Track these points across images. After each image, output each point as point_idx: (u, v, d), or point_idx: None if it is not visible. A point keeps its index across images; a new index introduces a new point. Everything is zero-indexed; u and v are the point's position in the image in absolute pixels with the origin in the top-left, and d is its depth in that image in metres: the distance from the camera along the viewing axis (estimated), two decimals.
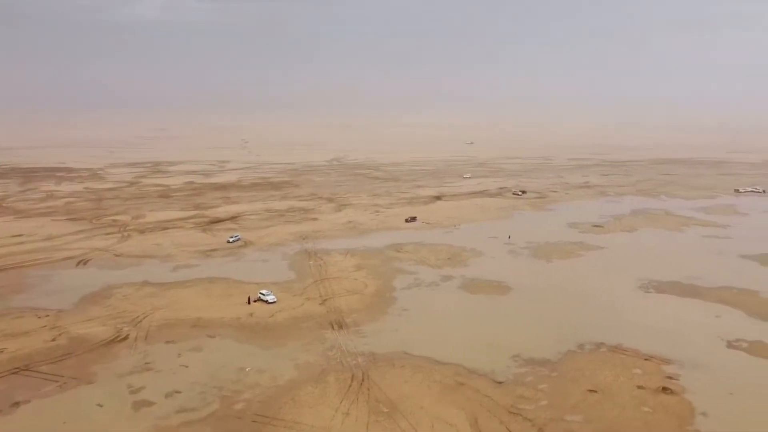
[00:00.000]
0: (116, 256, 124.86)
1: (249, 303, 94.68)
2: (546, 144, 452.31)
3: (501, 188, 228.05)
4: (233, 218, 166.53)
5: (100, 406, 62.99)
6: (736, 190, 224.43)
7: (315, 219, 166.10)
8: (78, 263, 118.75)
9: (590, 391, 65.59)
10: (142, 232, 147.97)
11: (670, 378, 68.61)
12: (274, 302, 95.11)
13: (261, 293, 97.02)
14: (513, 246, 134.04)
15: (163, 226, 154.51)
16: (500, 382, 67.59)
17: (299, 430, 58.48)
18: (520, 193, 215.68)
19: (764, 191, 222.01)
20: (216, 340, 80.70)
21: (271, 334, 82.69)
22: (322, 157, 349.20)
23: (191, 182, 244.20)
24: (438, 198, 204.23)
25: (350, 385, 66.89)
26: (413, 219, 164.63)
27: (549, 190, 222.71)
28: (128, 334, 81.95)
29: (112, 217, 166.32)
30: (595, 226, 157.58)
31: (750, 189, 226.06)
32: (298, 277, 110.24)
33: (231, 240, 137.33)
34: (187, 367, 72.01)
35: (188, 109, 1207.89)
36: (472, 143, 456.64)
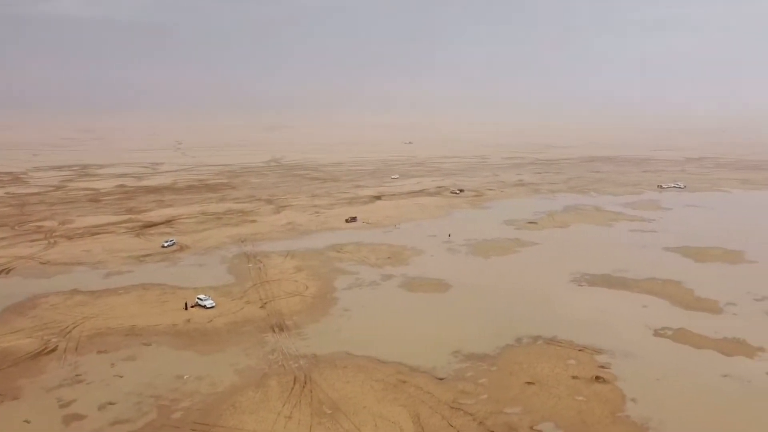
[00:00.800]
0: (42, 263, 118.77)
1: (186, 309, 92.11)
2: (481, 143, 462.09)
3: (439, 187, 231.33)
4: (168, 222, 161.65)
5: (28, 422, 59.75)
6: (660, 186, 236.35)
7: (254, 221, 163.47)
8: None
9: (528, 383, 67.47)
10: (70, 238, 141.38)
11: (603, 367, 71.47)
12: (213, 307, 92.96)
13: (198, 298, 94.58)
14: (452, 244, 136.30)
15: (93, 232, 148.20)
16: (441, 379, 68.58)
17: None
18: (458, 191, 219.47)
19: (684, 187, 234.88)
20: (152, 348, 78.08)
21: (209, 340, 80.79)
22: (260, 158, 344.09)
23: (122, 185, 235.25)
24: (378, 198, 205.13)
25: (292, 388, 66.24)
26: (353, 219, 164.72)
27: (485, 189, 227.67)
28: (57, 346, 78.02)
29: (37, 223, 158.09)
30: (530, 222, 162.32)
31: (672, 185, 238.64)
32: (237, 280, 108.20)
33: (166, 244, 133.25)
34: (121, 377, 69.36)
35: (115, 109, 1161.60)
36: (410, 143, 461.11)
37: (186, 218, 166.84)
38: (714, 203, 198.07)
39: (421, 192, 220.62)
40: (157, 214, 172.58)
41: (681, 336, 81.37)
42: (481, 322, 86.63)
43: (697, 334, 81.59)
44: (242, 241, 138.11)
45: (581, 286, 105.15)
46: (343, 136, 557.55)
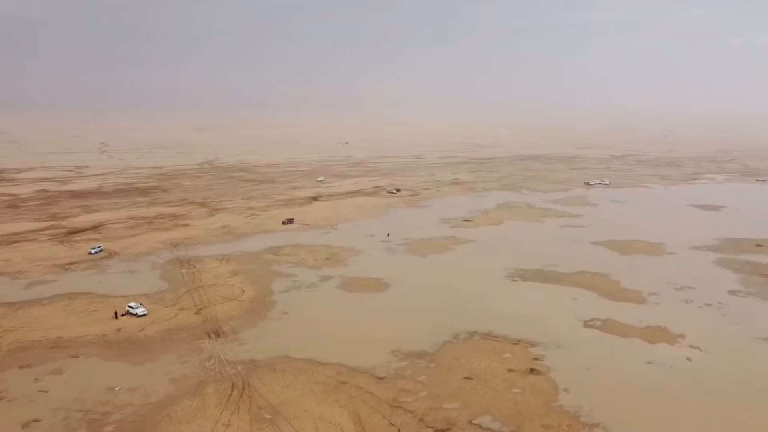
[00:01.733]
0: None
1: (116, 318, 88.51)
2: (416, 143, 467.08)
3: (376, 187, 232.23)
4: (95, 228, 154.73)
5: None
6: (587, 183, 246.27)
7: (186, 225, 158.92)
8: None
9: (466, 378, 68.82)
10: None
11: (537, 359, 73.81)
12: (145, 315, 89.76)
13: (129, 306, 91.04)
14: (390, 243, 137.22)
15: (12, 240, 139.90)
16: (381, 378, 68.95)
17: None
18: (394, 191, 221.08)
19: (609, 183, 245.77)
20: (80, 360, 74.56)
21: (142, 349, 77.96)
22: (192, 160, 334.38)
23: (44, 190, 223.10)
24: (315, 199, 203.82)
25: (230, 395, 64.89)
26: (290, 221, 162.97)
27: (422, 188, 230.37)
28: None
29: None
30: (465, 220, 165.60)
31: (598, 182, 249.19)
32: (171, 286, 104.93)
33: (93, 251, 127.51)
34: (46, 392, 65.84)
35: (31, 109, 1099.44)
36: (347, 143, 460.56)
37: (114, 223, 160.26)
38: (636, 198, 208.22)
39: (359, 192, 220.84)
40: (82, 220, 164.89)
41: (609, 326, 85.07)
42: (420, 319, 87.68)
43: (623, 324, 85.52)
44: (175, 246, 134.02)
45: (515, 281, 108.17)
46: (280, 136, 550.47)
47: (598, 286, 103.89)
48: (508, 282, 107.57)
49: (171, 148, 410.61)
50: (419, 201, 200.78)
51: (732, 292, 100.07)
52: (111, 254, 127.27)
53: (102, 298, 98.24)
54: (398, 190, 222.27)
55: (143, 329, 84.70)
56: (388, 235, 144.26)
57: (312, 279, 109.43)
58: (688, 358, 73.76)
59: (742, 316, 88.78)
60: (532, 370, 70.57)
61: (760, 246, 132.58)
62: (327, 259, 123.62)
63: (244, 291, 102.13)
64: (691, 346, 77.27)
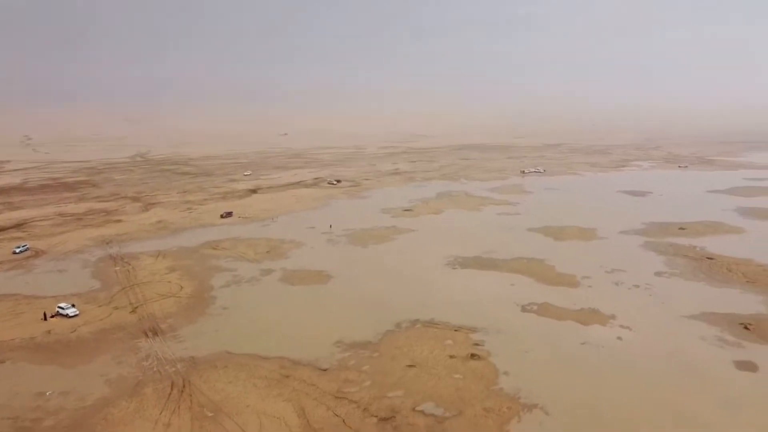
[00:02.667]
0: None
1: (45, 319, 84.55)
2: (358, 134, 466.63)
3: (316, 178, 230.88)
4: (19, 226, 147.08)
5: None
6: (522, 172, 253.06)
7: (119, 221, 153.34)
8: None
9: (409, 366, 69.62)
10: None
11: (477, 345, 75.44)
12: (76, 315, 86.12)
13: (59, 307, 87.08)
14: (331, 235, 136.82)
15: None
16: (325, 369, 68.83)
17: None
18: (335, 182, 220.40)
19: (544, 171, 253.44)
20: (6, 365, 70.80)
21: (74, 351, 74.83)
22: (123, 153, 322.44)
23: None
24: (254, 191, 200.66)
25: (170, 394, 63.24)
26: (229, 214, 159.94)
27: (362, 178, 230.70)
28: None
29: None
30: (406, 210, 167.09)
31: (533, 170, 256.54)
32: (104, 285, 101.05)
33: (18, 250, 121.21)
34: None
35: None
36: (286, 134, 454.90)
37: (40, 221, 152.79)
38: (569, 186, 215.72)
39: (299, 184, 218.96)
40: (5, 218, 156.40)
41: (545, 310, 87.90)
42: (362, 310, 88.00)
43: (558, 307, 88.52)
44: (107, 243, 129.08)
45: (455, 269, 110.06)
46: (217, 129, 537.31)
47: (534, 272, 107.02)
48: (449, 270, 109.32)
49: (100, 141, 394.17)
50: (360, 192, 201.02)
51: (658, 274, 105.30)
52: (38, 253, 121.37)
53: (29, 299, 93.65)
54: (339, 181, 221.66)
55: (75, 330, 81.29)
56: (330, 227, 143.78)
57: (252, 273, 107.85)
58: (619, 338, 77.17)
59: (667, 296, 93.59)
60: (472, 356, 72.09)
61: (683, 229, 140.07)
62: (267, 252, 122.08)
63: (182, 287, 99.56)
64: (622, 326, 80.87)
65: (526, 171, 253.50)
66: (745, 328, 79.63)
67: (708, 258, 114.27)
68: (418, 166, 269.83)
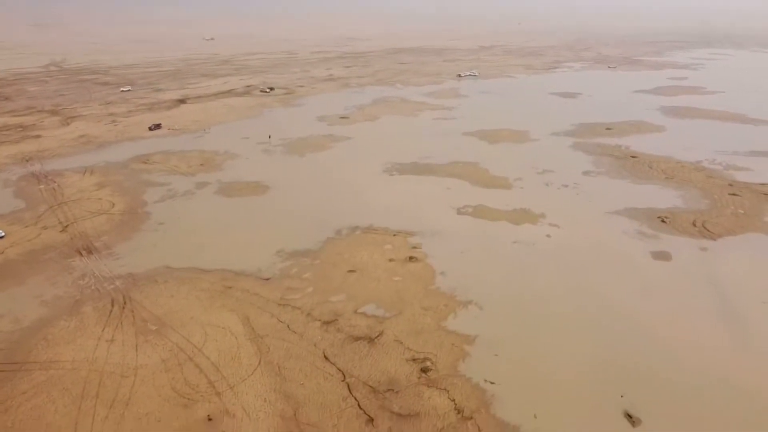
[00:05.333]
0: None
1: None
2: (290, 39, 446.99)
3: (248, 86, 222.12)
4: None
5: None
6: (458, 75, 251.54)
7: (38, 136, 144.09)
8: None
9: (350, 271, 71.50)
10: None
11: (415, 248, 77.84)
12: (2, 237, 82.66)
13: None
14: (266, 145, 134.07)
15: None
16: (267, 279, 69.76)
17: (59, 368, 53.89)
18: (267, 90, 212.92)
19: (479, 75, 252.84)
20: None
21: (3, 274, 72.29)
22: (35, 62, 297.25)
23: None
24: (182, 101, 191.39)
25: (111, 311, 62.82)
26: (157, 126, 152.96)
27: (296, 85, 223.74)
28: None
29: None
30: (342, 117, 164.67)
31: (468, 73, 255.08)
32: (29, 205, 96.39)
33: None
34: None
35: None
36: (212, 39, 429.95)
37: None
38: (503, 89, 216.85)
39: (230, 92, 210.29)
40: None
41: (479, 212, 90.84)
42: (302, 219, 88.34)
43: (492, 209, 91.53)
44: (27, 161, 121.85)
45: (392, 175, 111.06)
46: (134, 34, 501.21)
47: (469, 175, 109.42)
48: (386, 176, 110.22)
49: (6, 50, 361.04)
50: (294, 99, 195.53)
51: (585, 173, 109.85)
52: None
53: None
54: (272, 89, 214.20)
55: (2, 252, 78.14)
56: (269, 137, 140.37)
57: (187, 186, 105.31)
58: (548, 236, 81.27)
59: (593, 194, 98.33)
60: (411, 258, 74.58)
61: (610, 129, 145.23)
62: (201, 164, 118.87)
63: (113, 204, 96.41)
64: (551, 225, 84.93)
65: (462, 74, 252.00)
66: (662, 221, 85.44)
67: (632, 156, 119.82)
68: (353, 71, 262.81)
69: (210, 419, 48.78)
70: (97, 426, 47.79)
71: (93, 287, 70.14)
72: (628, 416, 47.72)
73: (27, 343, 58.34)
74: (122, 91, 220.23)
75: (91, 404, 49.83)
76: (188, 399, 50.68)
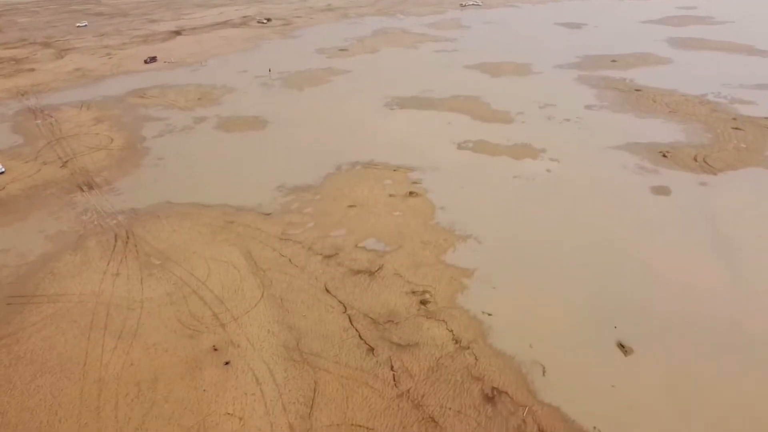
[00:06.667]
0: None
1: None
2: None
3: (244, 17, 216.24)
4: None
5: None
6: (461, 5, 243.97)
7: (32, 69, 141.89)
8: None
9: (350, 206, 71.93)
10: None
11: (415, 183, 78.04)
12: (2, 173, 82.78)
13: None
14: (264, 78, 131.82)
15: None
16: (268, 214, 70.36)
17: (66, 301, 55.33)
18: (264, 21, 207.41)
19: (482, 4, 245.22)
20: None
21: (6, 210, 73.06)
22: None
23: None
24: (177, 33, 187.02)
25: (115, 246, 63.87)
26: (153, 59, 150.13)
27: (293, 16, 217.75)
28: None
29: None
30: (341, 50, 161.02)
31: (471, 3, 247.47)
32: (27, 140, 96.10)
33: None
34: None
35: None
36: None
37: None
38: (507, 19, 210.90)
39: (225, 23, 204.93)
40: None
41: (480, 147, 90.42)
42: (302, 154, 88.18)
43: (493, 144, 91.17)
44: (22, 95, 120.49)
45: (393, 109, 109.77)
46: None
47: (470, 109, 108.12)
48: (386, 111, 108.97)
49: None
50: (292, 31, 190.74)
51: (588, 107, 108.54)
52: None
53: None
54: (269, 20, 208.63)
55: (3, 188, 78.66)
56: (269, 71, 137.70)
57: (185, 121, 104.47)
58: (548, 170, 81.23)
59: (595, 128, 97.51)
60: (411, 194, 74.83)
61: (615, 61, 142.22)
62: (199, 99, 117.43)
63: (112, 139, 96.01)
64: (551, 159, 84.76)
65: (464, 4, 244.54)
66: (663, 155, 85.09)
67: (636, 90, 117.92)
68: (352, 0, 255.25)
69: (215, 349, 50.52)
70: (106, 356, 49.60)
71: (96, 222, 71.17)
72: (621, 346, 49.36)
73: (34, 276, 59.61)
74: (78, 26, 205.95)
75: (100, 335, 51.48)
76: (194, 330, 52.30)
